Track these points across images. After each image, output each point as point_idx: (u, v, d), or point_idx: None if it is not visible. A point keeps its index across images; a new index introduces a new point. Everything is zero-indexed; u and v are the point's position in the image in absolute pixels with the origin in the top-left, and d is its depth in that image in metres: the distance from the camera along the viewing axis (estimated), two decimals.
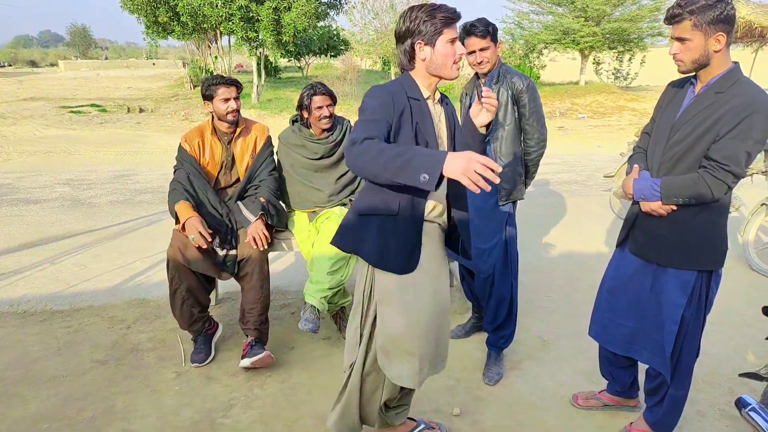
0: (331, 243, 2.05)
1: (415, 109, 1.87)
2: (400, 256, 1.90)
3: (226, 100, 3.03)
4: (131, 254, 4.72)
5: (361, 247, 1.95)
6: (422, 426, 2.43)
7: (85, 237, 5.18)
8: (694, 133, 1.99)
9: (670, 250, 2.11)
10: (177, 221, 2.95)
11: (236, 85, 3.09)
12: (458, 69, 1.90)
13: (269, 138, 3.31)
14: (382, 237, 1.89)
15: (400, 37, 1.88)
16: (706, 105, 1.98)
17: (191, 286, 2.94)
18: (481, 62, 2.70)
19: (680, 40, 1.96)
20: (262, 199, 3.10)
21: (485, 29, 2.64)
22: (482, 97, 1.91)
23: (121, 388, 2.78)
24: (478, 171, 1.45)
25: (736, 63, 1.98)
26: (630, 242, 2.26)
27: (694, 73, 2.05)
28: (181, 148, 3.12)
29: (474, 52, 2.68)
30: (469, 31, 2.64)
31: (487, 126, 1.98)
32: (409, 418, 2.39)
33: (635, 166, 2.22)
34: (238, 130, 3.17)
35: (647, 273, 2.21)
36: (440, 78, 1.91)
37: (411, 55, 1.88)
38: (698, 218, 2.05)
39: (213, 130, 3.14)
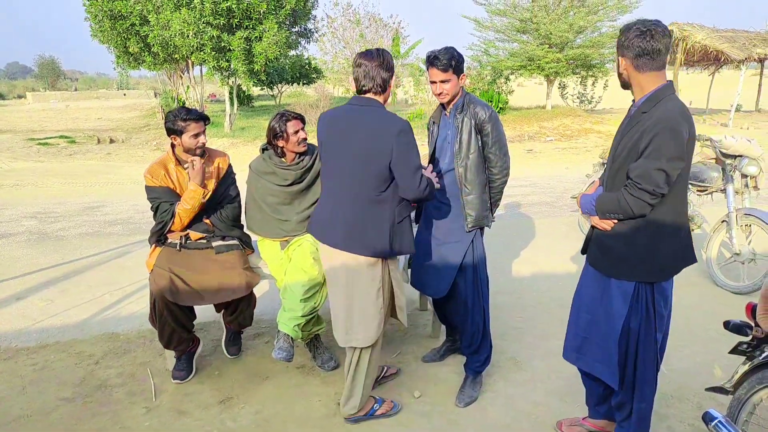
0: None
1: None
2: None
3: (197, 135, 3.07)
4: (100, 287, 4.63)
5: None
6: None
7: (53, 271, 5.06)
8: (625, 151, 2.13)
9: (614, 261, 2.23)
10: (184, 229, 3.19)
11: (205, 119, 3.14)
12: None
13: (230, 166, 3.38)
14: None
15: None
16: (634, 124, 2.11)
17: (178, 318, 3.01)
18: (440, 93, 2.77)
19: None
20: (206, 220, 3.25)
21: (447, 63, 2.67)
22: None
23: (89, 427, 2.71)
24: None
25: (668, 82, 2.09)
26: (588, 254, 2.40)
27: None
28: (150, 188, 3.13)
29: (435, 82, 2.74)
30: (432, 62, 2.69)
31: None
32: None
33: (594, 181, 2.39)
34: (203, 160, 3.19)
35: (598, 283, 2.32)
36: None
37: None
38: (639, 234, 2.16)
39: (176, 161, 3.16)
